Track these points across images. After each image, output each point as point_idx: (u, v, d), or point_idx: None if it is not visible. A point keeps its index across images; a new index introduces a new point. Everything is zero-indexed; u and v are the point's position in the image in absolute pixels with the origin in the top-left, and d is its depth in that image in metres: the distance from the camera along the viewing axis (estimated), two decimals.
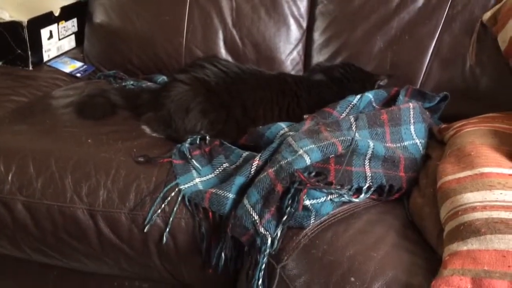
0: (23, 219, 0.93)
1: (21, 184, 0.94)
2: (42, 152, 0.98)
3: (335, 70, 1.12)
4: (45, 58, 1.41)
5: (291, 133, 0.90)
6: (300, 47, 1.35)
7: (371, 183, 0.83)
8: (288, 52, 1.34)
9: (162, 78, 1.30)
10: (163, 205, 0.88)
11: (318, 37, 1.34)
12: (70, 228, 0.92)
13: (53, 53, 1.43)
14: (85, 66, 1.44)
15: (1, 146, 1.01)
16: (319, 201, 0.79)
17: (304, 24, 1.35)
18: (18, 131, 1.07)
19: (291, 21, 1.34)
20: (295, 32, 1.34)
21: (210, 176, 0.92)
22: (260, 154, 0.88)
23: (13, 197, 0.94)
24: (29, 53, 1.35)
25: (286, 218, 0.78)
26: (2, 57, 1.37)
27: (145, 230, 0.88)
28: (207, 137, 0.99)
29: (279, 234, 0.77)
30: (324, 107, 1.00)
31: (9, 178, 0.95)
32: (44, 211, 0.93)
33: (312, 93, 1.08)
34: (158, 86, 1.22)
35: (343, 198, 0.81)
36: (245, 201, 0.81)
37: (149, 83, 1.30)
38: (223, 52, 1.34)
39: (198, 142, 0.99)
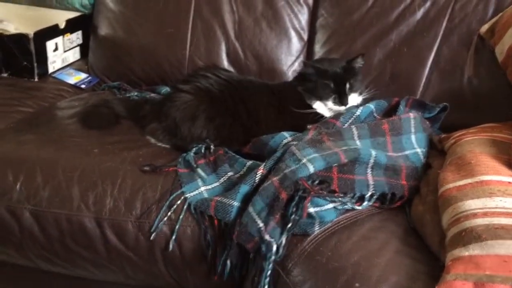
0: (30, 227, 0.95)
1: (29, 193, 0.95)
2: (49, 162, 1.00)
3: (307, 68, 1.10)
4: (50, 70, 1.43)
5: (294, 142, 0.92)
6: (301, 58, 1.37)
7: (373, 191, 0.85)
8: (290, 63, 1.37)
9: (166, 89, 1.32)
10: (169, 213, 0.90)
11: (319, 49, 1.36)
12: (77, 236, 0.93)
13: (58, 65, 1.46)
14: (89, 78, 1.46)
15: (9, 156, 1.02)
16: (323, 209, 0.81)
17: (305, 37, 1.38)
18: (24, 141, 1.08)
19: (292, 34, 1.37)
20: (296, 44, 1.37)
21: (215, 184, 0.94)
22: (264, 163, 0.90)
23: (20, 206, 0.95)
24: (35, 64, 1.37)
25: (291, 225, 0.79)
26: (8, 69, 1.39)
27: (151, 238, 0.89)
28: (212, 146, 1.01)
29: (284, 241, 0.79)
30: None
31: (17, 187, 0.96)
32: (51, 219, 0.94)
33: (292, 93, 1.08)
34: (161, 97, 1.24)
35: (346, 206, 0.83)
36: (250, 209, 0.82)
37: (152, 94, 1.32)
38: (225, 64, 1.37)
39: (203, 151, 1.01)
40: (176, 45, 1.39)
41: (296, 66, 1.37)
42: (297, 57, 1.37)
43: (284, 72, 1.37)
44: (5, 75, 1.39)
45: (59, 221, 0.93)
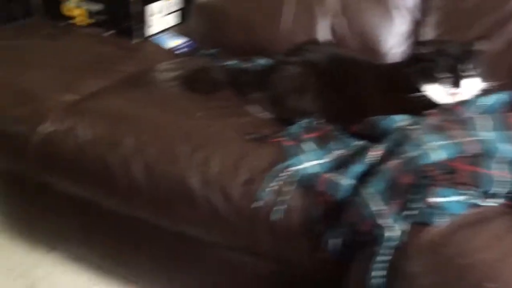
0: (138, 180, 0.96)
1: (138, 148, 0.97)
2: (155, 120, 1.02)
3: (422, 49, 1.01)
4: (151, 32, 1.45)
5: (413, 126, 0.86)
6: (407, 40, 1.29)
7: (502, 188, 0.77)
8: (393, 44, 1.29)
9: (265, 61, 1.30)
10: (275, 184, 0.88)
11: (428, 32, 1.27)
12: (181, 195, 0.94)
13: (158, 28, 1.48)
14: (188, 43, 1.46)
15: (118, 111, 1.05)
16: (448, 200, 0.75)
17: (411, 18, 1.29)
18: (130, 98, 1.11)
19: (397, 14, 1.29)
20: (400, 26, 1.29)
21: (323, 160, 0.90)
22: (380, 144, 0.85)
23: (130, 159, 0.97)
24: (136, 27, 1.40)
25: (411, 213, 0.74)
26: (112, 28, 1.43)
27: (255, 206, 0.88)
28: (319, 121, 0.98)
29: (402, 228, 0.74)
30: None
31: (125, 141, 0.98)
32: (157, 175, 0.95)
33: (401, 75, 1.00)
34: (262, 68, 1.22)
35: (473, 201, 0.76)
36: (366, 190, 0.78)
37: (250, 64, 1.30)
38: (325, 40, 1.32)
39: (310, 125, 0.97)
40: (275, 18, 1.35)
41: (398, 48, 1.29)
42: (402, 39, 1.29)
43: (385, 53, 1.30)
44: (109, 33, 1.44)
45: (165, 178, 0.94)
